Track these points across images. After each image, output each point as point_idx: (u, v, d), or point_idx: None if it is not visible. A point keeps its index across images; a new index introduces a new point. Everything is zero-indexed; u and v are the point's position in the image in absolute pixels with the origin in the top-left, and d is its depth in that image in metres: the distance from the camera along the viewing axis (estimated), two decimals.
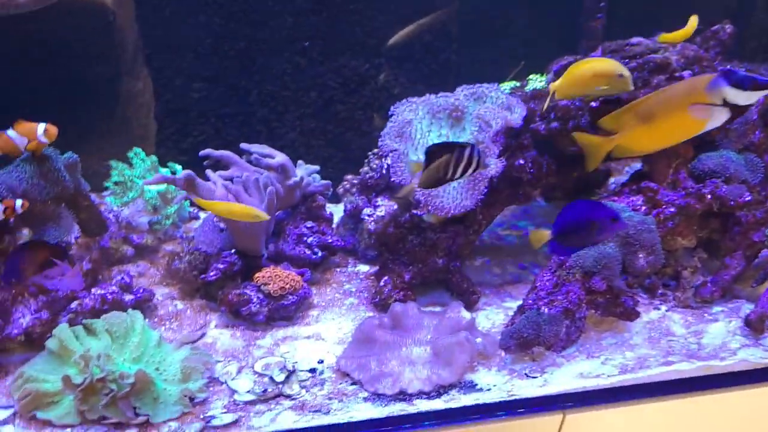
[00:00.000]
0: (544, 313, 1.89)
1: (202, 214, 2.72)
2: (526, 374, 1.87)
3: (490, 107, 2.05)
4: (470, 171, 1.77)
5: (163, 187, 2.50)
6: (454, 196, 1.99)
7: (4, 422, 1.79)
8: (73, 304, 2.04)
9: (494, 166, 1.96)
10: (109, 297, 2.05)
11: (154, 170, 2.51)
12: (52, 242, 2.10)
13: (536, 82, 2.29)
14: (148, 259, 2.46)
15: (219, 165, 2.30)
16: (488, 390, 1.82)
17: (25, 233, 2.02)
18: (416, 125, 2.08)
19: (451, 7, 2.48)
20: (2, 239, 1.98)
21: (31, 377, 1.82)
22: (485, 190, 2.00)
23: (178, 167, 2.56)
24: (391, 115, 2.14)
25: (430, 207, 2.01)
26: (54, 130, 1.98)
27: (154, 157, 2.49)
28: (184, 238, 2.55)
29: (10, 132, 1.94)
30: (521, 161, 2.08)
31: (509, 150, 2.07)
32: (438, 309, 2.16)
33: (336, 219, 2.55)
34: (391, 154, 2.03)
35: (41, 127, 1.96)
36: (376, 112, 2.66)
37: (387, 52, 2.57)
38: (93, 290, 2.07)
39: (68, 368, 1.86)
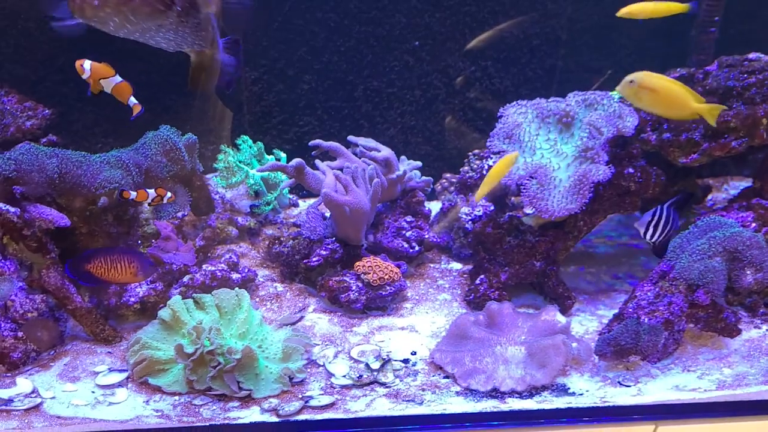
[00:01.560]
0: (644, 322, 1.89)
1: (302, 202, 2.81)
2: (619, 382, 1.87)
3: (602, 114, 2.06)
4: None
5: (266, 173, 2.60)
6: (560, 199, 2.00)
7: (119, 385, 1.90)
8: (185, 278, 2.15)
9: (602, 171, 1.96)
10: (219, 274, 2.15)
11: (260, 156, 2.62)
12: (165, 218, 2.22)
13: None
14: (249, 241, 2.56)
15: (326, 156, 2.37)
16: (581, 395, 1.83)
17: (146, 206, 2.14)
18: (525, 128, 2.11)
19: (562, 13, 2.48)
20: (128, 212, 2.10)
21: (146, 344, 1.93)
22: (590, 196, 2.01)
23: (283, 155, 2.65)
24: (500, 117, 2.17)
25: (534, 208, 2.03)
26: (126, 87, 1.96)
27: (260, 144, 2.59)
28: (284, 223, 2.65)
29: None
30: (630, 170, 2.07)
31: (617, 158, 2.07)
32: (531, 311, 2.18)
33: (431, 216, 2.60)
34: (498, 155, 2.05)
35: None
36: (476, 114, 2.69)
37: (487, 54, 2.59)
38: (204, 266, 2.17)
39: (179, 338, 1.97)
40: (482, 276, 2.21)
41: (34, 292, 1.99)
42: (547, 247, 2.17)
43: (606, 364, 1.92)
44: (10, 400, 1.81)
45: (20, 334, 1.93)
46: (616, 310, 2.04)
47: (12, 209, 1.87)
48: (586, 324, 2.15)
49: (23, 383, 1.87)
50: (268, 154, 2.64)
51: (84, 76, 1.89)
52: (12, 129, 2.22)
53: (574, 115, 2.10)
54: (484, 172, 2.44)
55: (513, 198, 2.50)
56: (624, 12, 2.08)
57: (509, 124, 2.12)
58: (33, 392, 1.85)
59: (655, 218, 1.97)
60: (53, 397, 1.84)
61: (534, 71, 2.58)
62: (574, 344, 1.95)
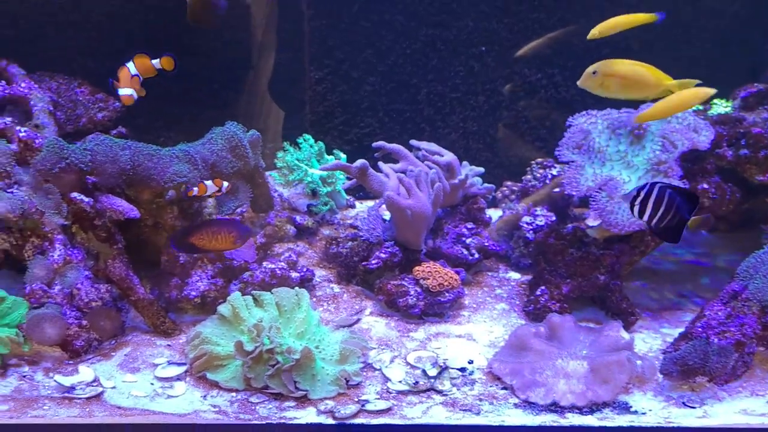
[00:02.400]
0: (713, 343, 1.83)
1: (359, 204, 2.81)
2: (684, 403, 1.82)
3: (676, 127, 2.00)
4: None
5: (325, 173, 2.60)
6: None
7: (178, 378, 1.92)
8: (245, 275, 2.16)
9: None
10: (278, 272, 2.16)
11: (320, 156, 2.62)
12: (227, 213, 2.24)
13: (720, 107, 2.21)
14: (306, 240, 2.57)
15: (388, 157, 2.36)
16: (643, 414, 1.78)
17: (210, 201, 2.15)
18: (595, 138, 2.06)
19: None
20: (192, 206, 2.12)
21: (206, 339, 1.94)
22: None
23: (343, 155, 2.65)
24: (569, 126, 2.13)
25: (602, 221, 1.99)
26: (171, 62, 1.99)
27: (321, 144, 2.59)
28: (341, 224, 2.64)
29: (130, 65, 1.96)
30: (705, 185, 2.02)
31: (691, 173, 2.01)
32: (591, 325, 2.13)
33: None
34: (567, 165, 2.01)
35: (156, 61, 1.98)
36: (539, 121, 2.65)
37: (554, 62, 2.55)
38: (264, 264, 2.18)
39: (238, 335, 1.98)
40: (543, 287, 2.17)
41: (99, 282, 2.02)
42: (611, 261, 2.12)
43: (671, 383, 1.87)
44: (72, 388, 1.83)
45: (84, 322, 1.96)
46: (682, 329, 1.98)
47: (86, 199, 1.90)
48: (650, 342, 2.10)
49: (85, 371, 1.90)
50: (328, 154, 2.64)
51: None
52: (84, 120, 2.26)
53: (647, 126, 2.05)
54: (547, 181, 2.40)
55: (575, 209, 2.46)
56: (594, 33, 2.04)
57: (578, 134, 2.08)
58: (94, 381, 1.87)
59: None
60: (114, 387, 1.86)
61: None
62: (638, 362, 1.90)
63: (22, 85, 2.14)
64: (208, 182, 2.01)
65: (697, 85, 1.92)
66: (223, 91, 2.67)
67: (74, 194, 1.89)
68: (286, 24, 2.57)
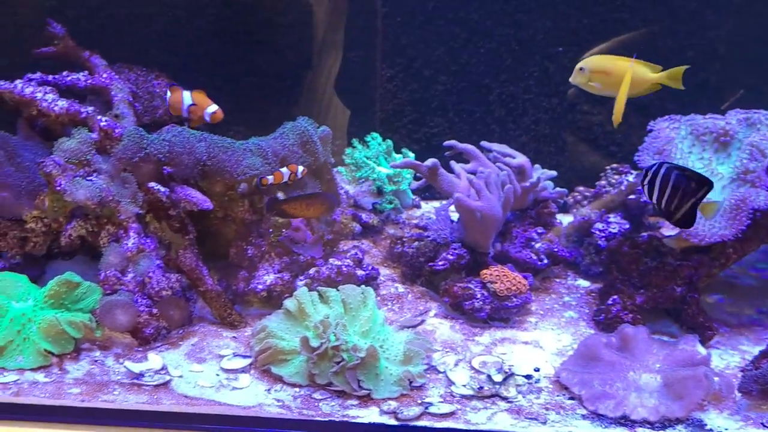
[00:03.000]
0: None
1: (424, 204, 2.78)
2: (762, 424, 1.73)
3: (767, 135, 1.91)
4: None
5: (392, 171, 2.59)
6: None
7: (243, 370, 1.93)
8: (311, 271, 2.16)
9: (763, 197, 1.82)
10: (344, 269, 2.15)
11: (388, 154, 2.60)
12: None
13: None
14: (371, 238, 2.55)
15: (459, 157, 2.32)
16: None
17: (280, 196, 2.16)
18: (677, 144, 1.99)
19: (722, 26, 2.33)
20: (262, 199, 2.13)
21: (272, 333, 1.94)
22: (747, 222, 1.87)
23: (411, 154, 2.63)
24: (650, 131, 2.06)
25: (683, 232, 1.92)
26: (220, 114, 2.04)
27: (389, 142, 2.58)
28: (406, 223, 2.62)
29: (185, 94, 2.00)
30: None
31: None
32: (665, 338, 2.06)
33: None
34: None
35: (211, 107, 2.02)
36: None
37: None
38: (330, 260, 2.18)
39: (302, 330, 1.98)
40: (615, 296, 2.10)
41: (170, 271, 2.04)
42: (689, 273, 2.04)
43: (749, 402, 1.78)
44: (141, 375, 1.86)
45: (155, 310, 1.99)
46: (762, 347, 1.88)
47: (162, 189, 1.93)
48: (727, 358, 2.01)
49: (154, 359, 1.93)
50: (396, 153, 2.62)
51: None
52: (160, 111, 2.30)
53: (734, 134, 1.96)
54: (623, 187, 2.32)
55: (650, 218, 2.38)
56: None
57: (660, 140, 2.00)
58: (162, 369, 1.90)
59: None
60: (181, 376, 1.89)
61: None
62: (715, 378, 1.82)
63: (104, 75, 2.19)
64: (283, 169, 2.01)
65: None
66: (284, 87, 2.68)
67: (152, 184, 1.92)
68: (358, 22, 2.56)
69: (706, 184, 1.66)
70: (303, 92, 2.68)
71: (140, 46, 2.56)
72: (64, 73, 2.16)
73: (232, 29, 2.56)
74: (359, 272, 2.19)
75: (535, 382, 1.91)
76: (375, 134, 2.58)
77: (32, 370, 1.87)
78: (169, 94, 1.98)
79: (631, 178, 2.36)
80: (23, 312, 1.92)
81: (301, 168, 2.03)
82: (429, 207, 2.77)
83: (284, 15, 2.56)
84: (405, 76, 2.57)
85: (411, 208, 2.74)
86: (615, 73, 1.95)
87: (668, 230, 2.18)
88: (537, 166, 2.41)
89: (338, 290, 2.04)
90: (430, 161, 2.16)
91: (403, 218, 2.66)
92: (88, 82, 2.17)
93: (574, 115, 2.60)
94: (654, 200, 1.73)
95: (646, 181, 1.74)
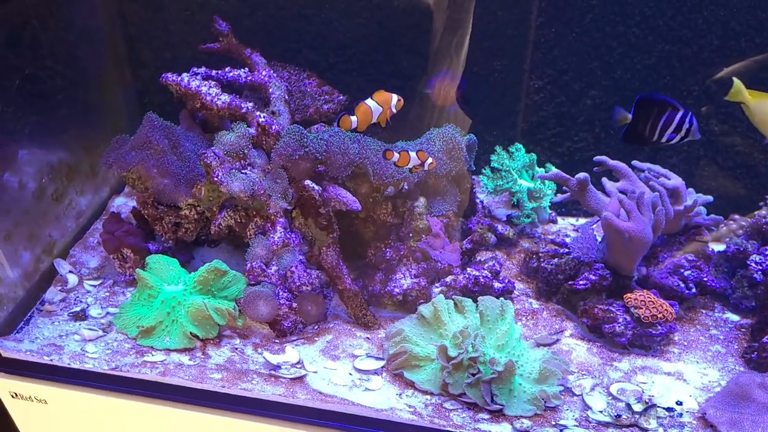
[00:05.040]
0: None
1: (560, 219, 2.70)
2: None
3: None
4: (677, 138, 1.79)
5: (533, 185, 2.53)
6: None
7: (375, 372, 1.94)
8: (448, 279, 2.14)
9: None
10: (482, 280, 2.11)
11: (530, 167, 2.54)
12: (436, 215, 2.23)
13: None
14: (505, 251, 2.50)
15: (608, 175, 2.24)
16: None
17: (422, 201, 2.15)
18: None
19: None
20: (405, 204, 2.13)
21: (407, 337, 1.94)
22: None
23: (554, 169, 2.56)
24: None
25: None
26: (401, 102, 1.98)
27: (534, 155, 2.52)
28: (542, 238, 2.56)
29: (369, 101, 1.94)
30: None
31: None
32: None
33: None
34: None
35: (394, 98, 1.96)
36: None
37: None
38: (468, 270, 2.15)
39: (436, 338, 1.96)
40: None
41: (311, 267, 2.08)
42: None
43: None
44: (278, 367, 1.91)
45: (294, 304, 2.03)
46: None
47: (316, 187, 1.97)
48: None
49: (291, 352, 1.97)
50: (539, 167, 2.56)
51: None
52: (311, 110, 2.35)
53: None
54: None
55: None
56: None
57: None
58: (298, 363, 1.94)
59: None
60: (315, 372, 1.92)
61: None
62: None
63: (263, 73, 2.26)
64: (412, 153, 1.99)
65: None
66: (415, 91, 2.68)
67: (307, 182, 1.96)
68: (506, 31, 2.52)
69: None
70: (416, 97, 2.67)
71: (294, 45, 2.63)
72: (227, 69, 2.25)
73: (378, 32, 2.59)
74: (496, 284, 2.15)
75: (678, 416, 1.81)
76: (519, 145, 2.53)
77: (178, 351, 1.96)
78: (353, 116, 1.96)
79: None
80: (174, 295, 2.01)
81: (429, 160, 1.99)
82: (565, 223, 2.69)
83: (430, 20, 2.56)
84: (553, 88, 2.50)
85: (547, 222, 2.67)
86: None
87: None
88: (691, 189, 2.28)
89: (476, 301, 2.02)
90: (580, 175, 2.09)
91: (539, 233, 2.59)
92: (248, 78, 2.24)
93: (734, 138, 2.45)
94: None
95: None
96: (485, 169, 2.53)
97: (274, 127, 2.04)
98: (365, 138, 2.06)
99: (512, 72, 2.56)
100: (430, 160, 2.00)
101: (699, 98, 2.38)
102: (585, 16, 2.35)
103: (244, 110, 2.07)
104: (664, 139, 1.95)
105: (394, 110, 1.96)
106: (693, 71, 2.33)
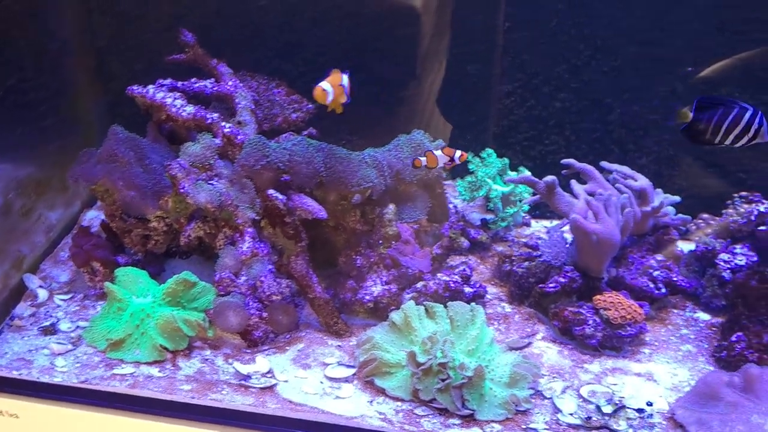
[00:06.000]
0: None
1: (534, 222, 2.72)
2: None
3: None
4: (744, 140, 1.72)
5: (508, 188, 2.54)
6: None
7: (346, 380, 1.93)
8: (419, 285, 2.15)
9: None
10: (452, 285, 2.12)
11: (503, 172, 2.55)
12: (407, 221, 2.24)
13: None
14: (478, 255, 2.51)
15: (576, 177, 2.25)
16: None
17: (391, 208, 2.16)
18: None
19: None
20: (374, 210, 2.13)
21: (378, 344, 1.94)
22: None
23: (527, 173, 2.57)
24: None
25: None
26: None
27: (506, 160, 2.53)
28: (515, 242, 2.57)
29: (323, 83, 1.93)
30: None
31: None
32: None
33: None
34: None
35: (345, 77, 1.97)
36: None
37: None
38: (438, 275, 2.15)
39: (407, 344, 1.96)
40: (740, 333, 1.97)
41: (280, 277, 2.08)
42: None
43: None
44: (249, 377, 1.91)
45: (264, 314, 2.03)
46: None
47: (280, 196, 1.97)
48: None
49: (262, 362, 1.96)
50: (511, 170, 2.57)
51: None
52: (279, 119, 2.35)
53: None
54: (752, 217, 2.18)
55: None
56: None
57: None
58: (269, 372, 1.94)
59: None
60: (286, 381, 1.92)
61: None
62: None
63: (230, 83, 2.26)
64: (438, 152, 1.99)
65: None
66: (393, 99, 2.69)
67: (270, 191, 1.96)
68: (477, 36, 2.53)
69: None
70: (405, 104, 2.68)
71: (264, 55, 2.64)
72: (193, 80, 2.25)
73: (349, 40, 2.60)
74: (467, 289, 2.15)
75: (648, 417, 1.81)
76: (490, 150, 2.53)
77: (148, 364, 1.95)
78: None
79: (762, 207, 2.21)
80: (143, 307, 2.01)
81: (458, 153, 2.00)
82: (539, 226, 2.70)
83: (400, 27, 2.58)
84: (523, 92, 2.52)
85: (520, 226, 2.68)
86: None
87: None
88: (659, 190, 2.30)
89: (446, 306, 2.02)
90: (548, 178, 2.10)
91: (512, 236, 2.60)
92: (214, 89, 2.25)
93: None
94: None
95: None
96: (460, 180, 2.53)
97: (239, 137, 2.04)
98: (331, 146, 2.07)
99: (483, 76, 2.58)
100: (458, 153, 2.01)
101: (666, 99, 2.40)
102: (552, 20, 2.37)
103: (209, 121, 2.08)
104: (729, 141, 1.88)
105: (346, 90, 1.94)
106: (659, 72, 2.35)
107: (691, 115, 1.86)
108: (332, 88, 1.92)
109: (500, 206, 2.54)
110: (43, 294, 2.23)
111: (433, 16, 2.58)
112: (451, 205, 2.55)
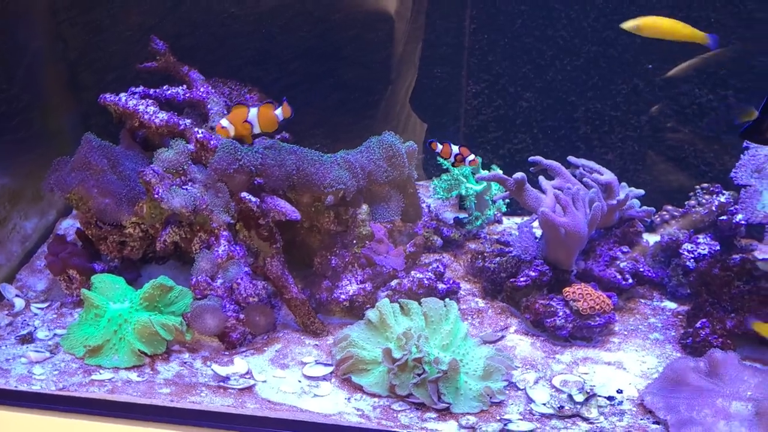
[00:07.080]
0: None
1: (505, 219, 2.77)
2: None
3: None
4: None
5: (481, 187, 2.58)
6: None
7: (324, 378, 1.97)
8: (393, 283, 2.19)
9: None
10: (426, 282, 2.16)
11: (475, 171, 2.60)
12: (380, 221, 2.28)
13: None
14: (452, 252, 2.56)
15: (544, 173, 2.31)
16: None
17: (364, 208, 2.20)
18: None
19: None
20: (347, 211, 2.17)
21: (354, 342, 1.97)
22: None
23: (499, 170, 2.62)
24: (746, 148, 2.00)
25: None
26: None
27: (479, 158, 2.58)
28: (487, 238, 2.62)
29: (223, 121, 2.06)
30: None
31: None
32: (758, 366, 1.97)
33: None
34: (742, 190, 1.89)
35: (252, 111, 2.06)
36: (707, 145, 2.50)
37: (729, 83, 2.39)
38: (412, 273, 2.20)
39: (383, 341, 2.00)
40: (704, 320, 2.04)
41: (257, 278, 2.11)
42: None
43: None
44: (227, 378, 1.93)
45: (242, 316, 2.05)
46: None
47: (253, 199, 2.01)
48: None
49: (240, 363, 1.99)
50: (483, 169, 2.62)
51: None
52: None
53: None
54: (714, 208, 2.26)
55: (742, 240, 2.30)
56: (631, 25, 2.03)
57: (760, 156, 1.94)
58: (247, 373, 1.96)
59: None
60: (264, 381, 1.94)
61: None
62: None
63: (201, 89, 2.29)
64: (455, 147, 2.05)
65: None
66: (365, 102, 2.74)
67: (243, 194, 1.99)
68: (444, 38, 2.59)
69: None
70: (382, 106, 2.73)
71: (236, 62, 2.67)
72: (165, 87, 2.28)
73: (324, 46, 2.64)
74: (440, 286, 2.20)
75: (618, 404, 1.87)
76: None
77: (126, 369, 1.97)
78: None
79: (722, 198, 2.29)
80: (120, 313, 2.03)
81: (471, 156, 2.10)
82: (510, 222, 2.76)
83: (370, 31, 2.62)
84: (490, 92, 2.58)
85: (492, 223, 2.73)
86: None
87: (762, 253, 2.10)
88: (624, 184, 2.37)
89: (421, 303, 2.06)
90: (517, 175, 2.16)
91: (485, 233, 2.65)
92: (187, 95, 2.28)
93: (663, 133, 2.54)
94: None
95: None
96: (436, 179, 2.58)
97: (212, 142, 2.07)
98: (302, 149, 2.10)
99: (452, 78, 2.63)
100: (471, 156, 2.06)
101: (627, 96, 2.47)
102: (515, 21, 2.43)
103: (182, 127, 2.10)
104: None
105: (255, 126, 2.04)
106: (620, 70, 2.42)
107: (756, 113, 1.81)
108: (232, 125, 2.03)
109: (473, 205, 2.59)
110: (19, 303, 2.24)
111: (404, 21, 2.63)
112: (424, 205, 2.59)
